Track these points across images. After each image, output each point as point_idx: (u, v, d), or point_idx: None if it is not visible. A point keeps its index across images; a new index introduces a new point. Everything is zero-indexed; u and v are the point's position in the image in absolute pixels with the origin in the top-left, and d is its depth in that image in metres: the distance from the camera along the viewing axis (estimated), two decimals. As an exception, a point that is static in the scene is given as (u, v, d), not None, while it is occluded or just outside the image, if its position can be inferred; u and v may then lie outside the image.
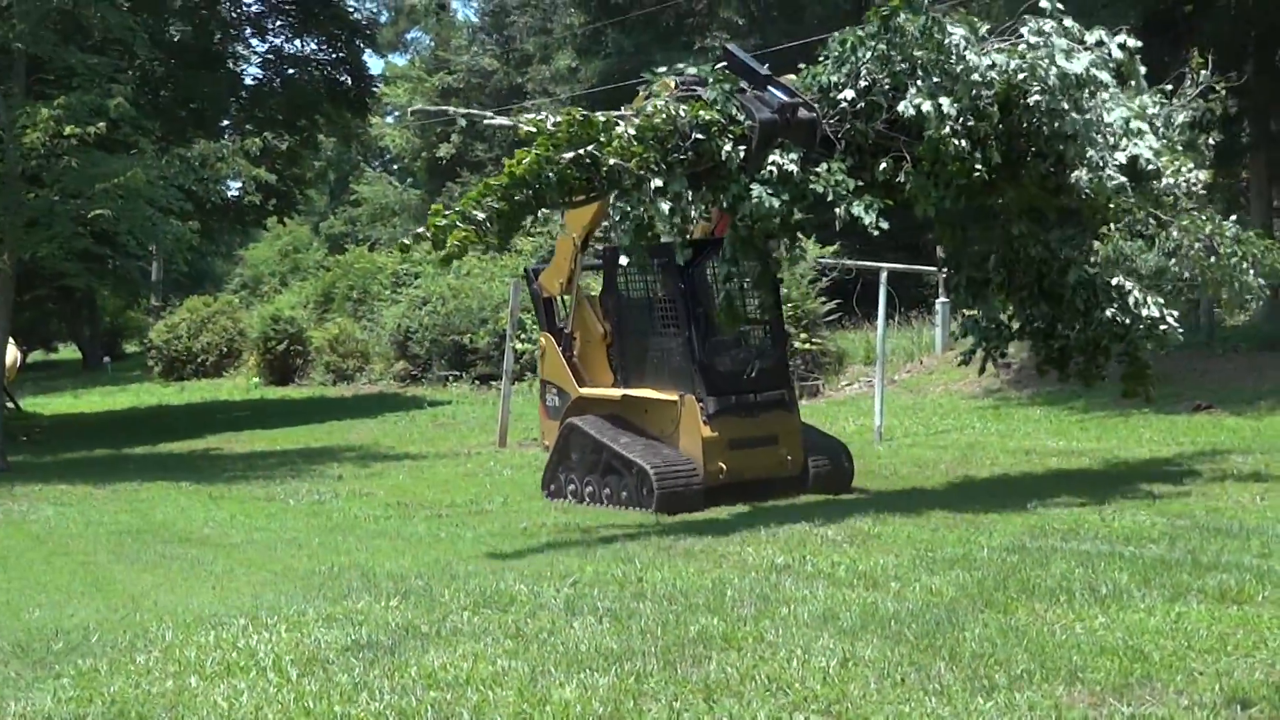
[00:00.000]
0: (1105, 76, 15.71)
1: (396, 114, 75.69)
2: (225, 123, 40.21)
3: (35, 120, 23.41)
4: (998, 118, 15.25)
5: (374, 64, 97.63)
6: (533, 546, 14.12)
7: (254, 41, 42.39)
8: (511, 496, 18.45)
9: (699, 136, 14.79)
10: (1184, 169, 16.69)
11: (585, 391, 18.87)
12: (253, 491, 20.98)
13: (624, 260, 16.69)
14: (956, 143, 14.95)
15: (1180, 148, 16.95)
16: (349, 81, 42.09)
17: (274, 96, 40.90)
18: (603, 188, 15.06)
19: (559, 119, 14.88)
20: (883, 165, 15.34)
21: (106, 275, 35.57)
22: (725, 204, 15.39)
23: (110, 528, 17.59)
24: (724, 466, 17.07)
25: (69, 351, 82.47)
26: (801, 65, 16.11)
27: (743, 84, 15.33)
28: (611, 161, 14.55)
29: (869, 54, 15.46)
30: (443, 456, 24.90)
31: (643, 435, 17.78)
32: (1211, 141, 17.99)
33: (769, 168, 14.96)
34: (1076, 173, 15.43)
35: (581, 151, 14.55)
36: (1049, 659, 8.33)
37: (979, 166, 15.14)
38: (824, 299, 32.20)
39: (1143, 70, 16.66)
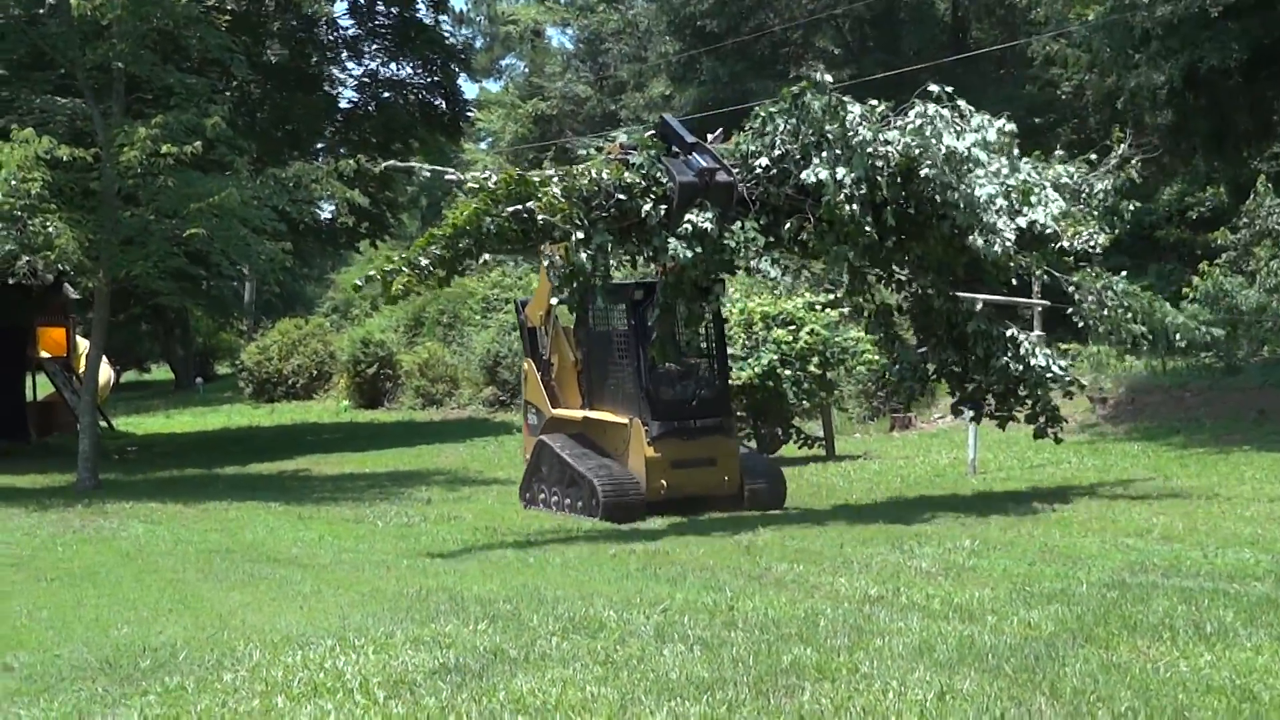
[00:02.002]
0: (982, 155, 17.86)
1: (490, 140, 75.92)
2: (320, 145, 40.43)
3: (132, 139, 23.50)
4: (889, 187, 17.60)
5: (469, 89, 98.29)
6: (621, 573, 13.95)
7: (350, 65, 42.63)
8: (599, 523, 18.28)
9: (620, 196, 17.42)
10: (1084, 231, 19.12)
11: (556, 412, 21.25)
12: (341, 513, 20.93)
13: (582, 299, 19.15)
14: (850, 207, 17.32)
15: (1096, 212, 19.50)
16: (443, 105, 42.21)
17: (369, 119, 41.04)
18: (535, 239, 17.74)
19: (499, 177, 17.45)
20: (788, 225, 17.90)
21: (200, 295, 35.84)
22: (647, 255, 18.07)
23: (199, 546, 17.57)
24: (665, 483, 19.17)
25: (162, 372, 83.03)
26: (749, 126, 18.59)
27: (674, 148, 18.03)
28: (540, 217, 17.07)
29: (782, 126, 18.04)
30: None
31: (601, 453, 19.94)
32: (1132, 206, 20.25)
33: (685, 224, 17.24)
34: (971, 236, 17.58)
35: (519, 207, 17.08)
36: (1154, 697, 8.11)
37: (868, 229, 17.52)
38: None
39: (1016, 151, 18.74)
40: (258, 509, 21.69)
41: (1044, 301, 24.14)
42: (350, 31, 41.86)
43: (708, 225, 17.21)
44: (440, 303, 51.45)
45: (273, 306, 73.63)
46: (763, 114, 18.46)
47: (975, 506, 18.24)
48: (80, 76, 25.48)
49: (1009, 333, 19.49)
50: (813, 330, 25.85)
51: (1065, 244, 18.88)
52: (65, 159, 23.20)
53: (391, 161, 26.60)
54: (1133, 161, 20.65)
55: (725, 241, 17.37)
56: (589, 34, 65.11)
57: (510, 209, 17.12)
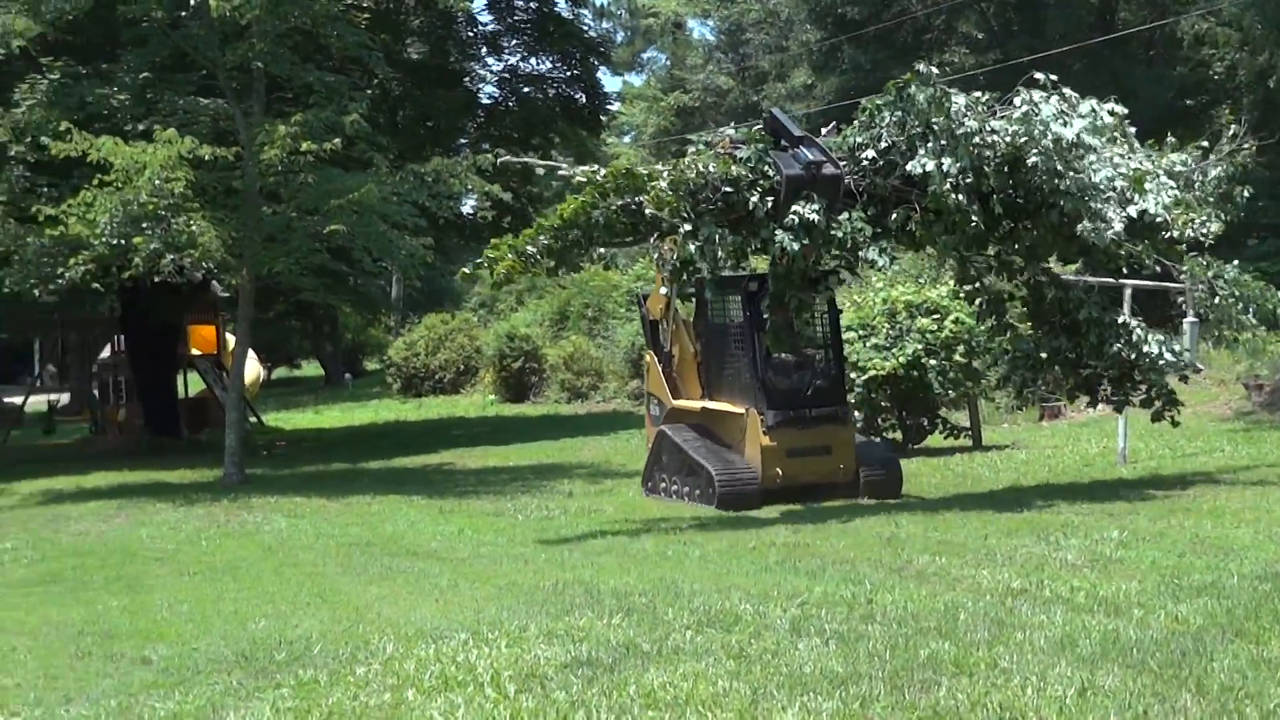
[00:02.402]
0: (1094, 141, 18.12)
1: (632, 133, 75.99)
2: (461, 141, 40.51)
3: (273, 137, 23.67)
4: (995, 176, 17.87)
5: (609, 83, 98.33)
6: (760, 565, 13.79)
7: (490, 60, 42.62)
8: (740, 515, 18.11)
9: (727, 189, 17.73)
10: (1196, 220, 19.06)
11: (677, 403, 21.64)
12: (482, 506, 20.93)
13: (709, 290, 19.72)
14: (956, 197, 17.52)
15: (1211, 200, 19.49)
16: (584, 99, 42.12)
17: (509, 114, 41.03)
18: (644, 232, 18.12)
19: (606, 171, 17.95)
20: (894, 215, 18.01)
21: (346, 292, 36.05)
22: (755, 247, 18.23)
23: (340, 540, 17.65)
24: (780, 472, 19.45)
25: (312, 368, 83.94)
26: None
27: (783, 142, 18.29)
28: (648, 210, 17.46)
29: (889, 118, 18.12)
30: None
31: (719, 443, 20.34)
32: (1246, 193, 20.09)
33: (792, 216, 17.49)
34: (1081, 224, 17.77)
35: (628, 200, 17.59)
36: (1306, 694, 7.84)
37: (974, 218, 17.80)
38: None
39: (1132, 131, 19.06)
40: (400, 503, 21.77)
41: (1175, 284, 23.24)
42: (489, 27, 41.88)
43: (814, 217, 17.49)
44: (585, 296, 51.54)
45: (419, 302, 74.14)
46: (869, 107, 18.60)
47: (1124, 496, 17.85)
48: (221, 77, 25.73)
49: (1120, 319, 19.65)
50: (958, 319, 25.47)
51: (1175, 233, 18.82)
52: (207, 158, 23.43)
53: (505, 157, 26.52)
54: (1246, 147, 20.43)
55: (833, 232, 17.66)
56: (730, 25, 64.85)
57: (619, 203, 17.66)
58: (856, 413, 25.03)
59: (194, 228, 23.24)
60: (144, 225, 23.26)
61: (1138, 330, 19.45)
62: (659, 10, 77.15)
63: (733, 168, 17.83)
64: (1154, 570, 12.21)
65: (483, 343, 55.55)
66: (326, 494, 23.21)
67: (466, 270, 19.97)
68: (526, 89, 41.48)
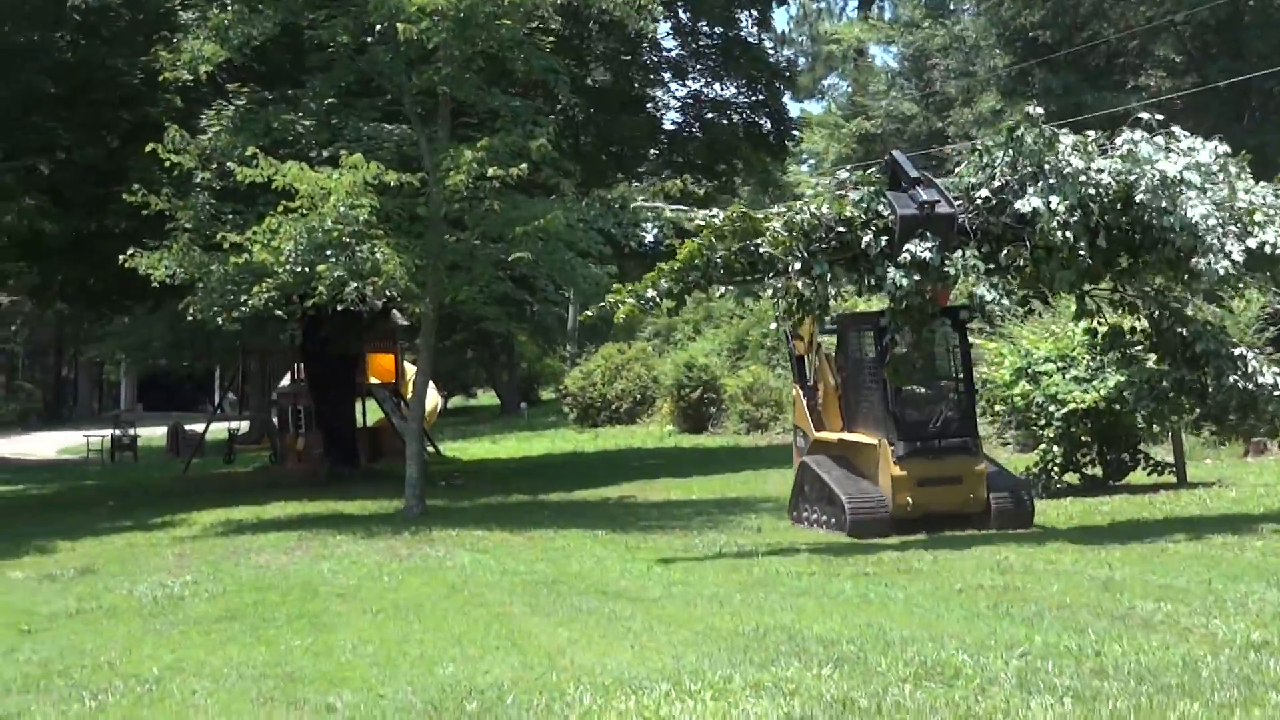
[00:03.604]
0: (1194, 178, 18.47)
1: (813, 161, 75.21)
2: (643, 169, 40.11)
3: (458, 163, 23.28)
4: (1105, 212, 18.40)
5: (792, 109, 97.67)
6: (971, 611, 13.00)
7: (674, 85, 42.09)
8: (941, 555, 17.24)
9: (841, 229, 18.67)
10: None
11: (819, 435, 22.40)
12: (670, 542, 20.27)
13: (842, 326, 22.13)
14: (1064, 234, 18.12)
15: None
16: (768, 125, 41.49)
17: (693, 140, 40.55)
18: (761, 271, 19.15)
19: (724, 215, 19.02)
20: (1005, 252, 18.56)
21: (525, 321, 35.68)
22: (869, 284, 19.14)
23: (526, 577, 17.05)
24: (910, 500, 19.99)
25: (488, 397, 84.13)
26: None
27: (904, 182, 18.99)
28: (764, 250, 18.63)
29: (1001, 158, 18.84)
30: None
31: (856, 473, 20.97)
32: None
33: (905, 254, 18.15)
34: (1194, 259, 18.29)
35: (747, 242, 18.75)
36: None
37: (1082, 253, 18.36)
38: (1271, 349, 30.03)
39: (1233, 170, 19.17)
40: (584, 537, 21.17)
41: None
42: (674, 52, 41.37)
43: (927, 254, 18.15)
44: (763, 326, 50.87)
45: (596, 331, 73.96)
46: (980, 148, 19.56)
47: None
48: (406, 102, 25.40)
49: (1238, 351, 20.40)
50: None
51: None
52: (392, 184, 23.10)
53: (640, 202, 26.05)
54: None
55: (945, 269, 18.27)
56: (914, 50, 63.76)
57: (736, 246, 18.80)
58: (1056, 448, 24.89)
59: (378, 255, 22.84)
60: (328, 252, 22.94)
61: (1253, 362, 20.26)
62: (840, 37, 76.36)
63: (846, 209, 18.70)
64: (1404, 624, 11.29)
65: (660, 372, 55.18)
66: (508, 527, 22.71)
67: (590, 313, 21.31)
68: (710, 114, 40.86)
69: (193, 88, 27.18)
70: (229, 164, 24.17)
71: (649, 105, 40.69)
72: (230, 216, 25.23)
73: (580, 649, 11.87)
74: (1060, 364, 25.10)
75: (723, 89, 41.42)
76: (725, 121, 40.81)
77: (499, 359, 70.10)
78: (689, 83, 41.63)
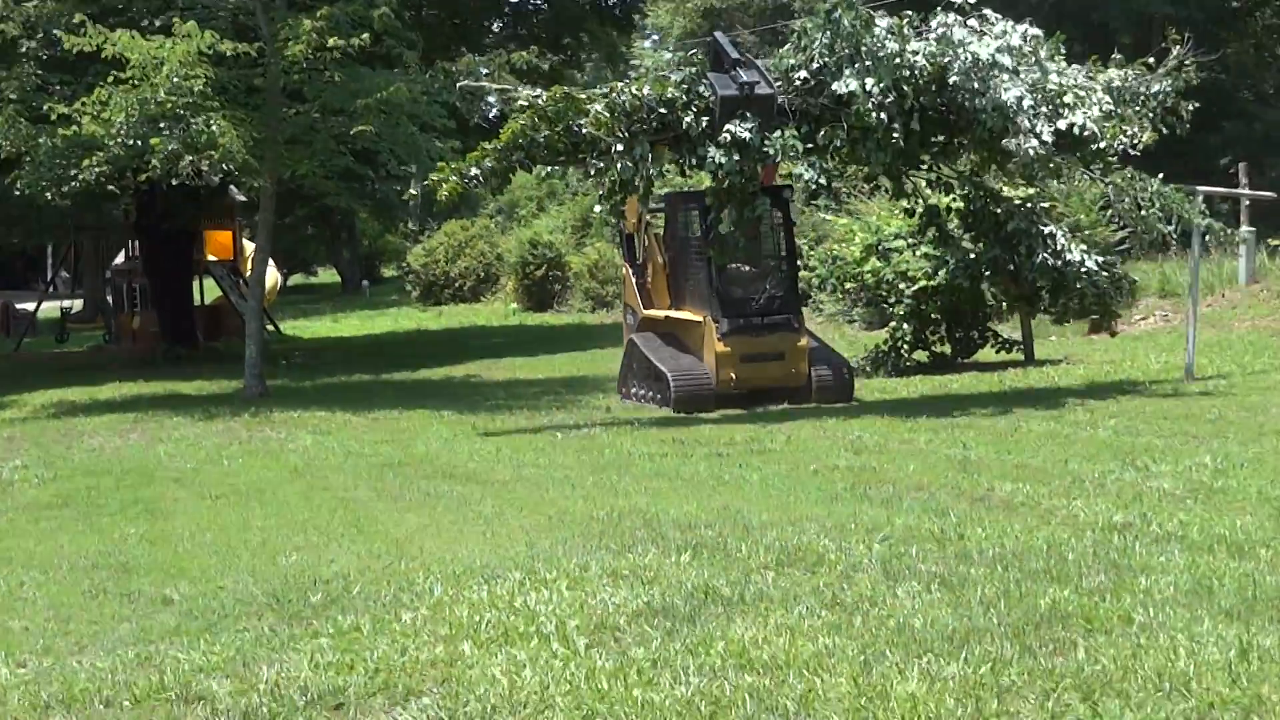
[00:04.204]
0: (1007, 60, 19.21)
1: (656, 37, 74.32)
2: (487, 40, 39.29)
3: (298, 32, 22.54)
4: (920, 94, 19.06)
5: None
6: (828, 493, 12.74)
7: (520, -44, 41.31)
8: (794, 434, 17.01)
9: (663, 110, 19.14)
10: (1127, 132, 20.10)
11: (647, 312, 22.84)
12: (518, 423, 19.91)
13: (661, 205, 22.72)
14: (879, 115, 18.78)
15: (1153, 114, 20.45)
16: (615, -2, 40.93)
17: (538, 13, 39.86)
18: (585, 151, 19.40)
19: (546, 95, 19.38)
20: (821, 133, 19.15)
21: (366, 197, 34.94)
22: (691, 164, 19.64)
23: (371, 460, 16.59)
24: (734, 376, 20.63)
25: (329, 275, 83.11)
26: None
27: (725, 63, 19.42)
28: (586, 131, 18.95)
29: (819, 40, 19.16)
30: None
31: (683, 349, 21.43)
32: (1191, 107, 21.05)
33: (725, 134, 18.71)
34: (1006, 139, 18.98)
35: (569, 123, 19.06)
36: None
37: (896, 134, 18.97)
38: (1116, 226, 30.10)
39: (1042, 52, 19.87)
40: (430, 418, 20.76)
41: (1270, 194, 23.44)
42: (517, -79, 40.62)
43: (747, 134, 18.65)
44: (611, 204, 50.41)
45: (438, 208, 73.05)
46: (800, 29, 19.96)
47: (1202, 417, 16.79)
48: (242, -32, 24.56)
49: (1048, 230, 22.00)
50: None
51: (1104, 144, 19.63)
52: (229, 54, 22.32)
53: (465, 82, 25.48)
54: (1189, 64, 21.15)
55: (765, 149, 18.81)
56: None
57: (561, 126, 19.07)
58: (905, 325, 24.94)
59: (214, 128, 22.08)
60: (161, 125, 22.21)
61: (1062, 240, 21.97)
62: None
63: (668, 90, 19.16)
64: (1264, 503, 11.16)
65: (504, 250, 54.65)
66: (351, 408, 22.24)
67: (413, 191, 22.61)
68: (557, -16, 40.21)
69: (17, -47, 26.10)
70: (56, 32, 23.24)
71: (493, -25, 39.87)
72: (58, 87, 24.40)
73: (429, 536, 11.45)
74: (911, 241, 24.96)
75: (570, -41, 40.69)
76: (572, -7, 40.13)
77: (340, 236, 69.09)
78: (535, -47, 40.87)
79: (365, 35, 22.84)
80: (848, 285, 27.30)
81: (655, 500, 12.61)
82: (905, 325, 24.87)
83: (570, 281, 49.00)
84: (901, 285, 24.49)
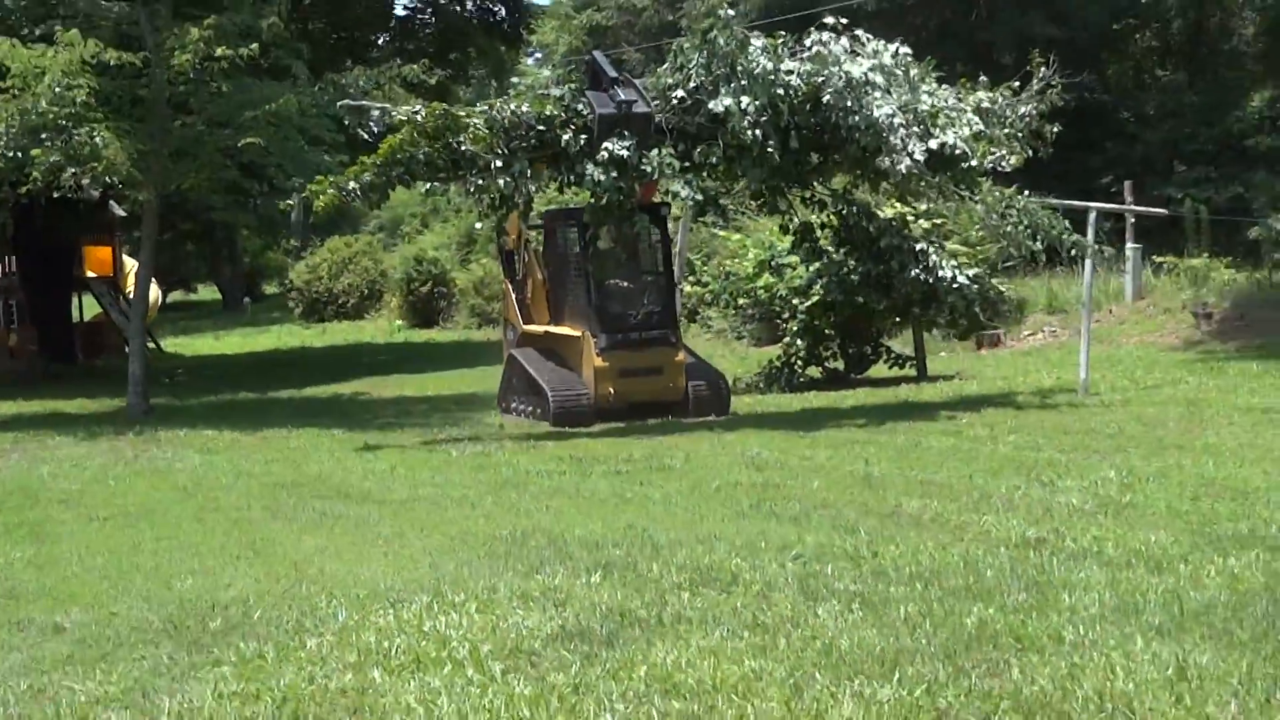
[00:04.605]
0: (879, 79, 19.55)
1: (539, 55, 74.04)
2: (374, 54, 38.92)
3: (184, 42, 22.08)
4: (795, 112, 19.30)
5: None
6: (734, 510, 12.52)
7: (405, -31, 40.96)
8: (694, 451, 16.78)
9: (541, 128, 19.35)
10: (996, 153, 20.72)
11: (527, 328, 23.08)
12: (410, 440, 19.57)
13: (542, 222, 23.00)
14: (754, 133, 19.02)
15: (1020, 135, 20.99)
16: (503, 12, 40.59)
17: (426, 27, 39.54)
18: (464, 167, 19.32)
19: (425, 111, 19.29)
20: (698, 150, 19.42)
21: (250, 211, 34.47)
22: (570, 180, 19.78)
23: (263, 480, 16.18)
24: (613, 390, 20.80)
25: (209, 292, 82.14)
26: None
27: (604, 82, 19.67)
28: (465, 148, 18.98)
29: (695, 60, 19.53)
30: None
31: (562, 364, 21.61)
32: (1055, 129, 21.52)
33: (603, 152, 18.96)
34: (879, 158, 19.28)
35: (448, 139, 19.05)
36: None
37: (770, 151, 19.20)
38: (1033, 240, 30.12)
39: (913, 73, 20.29)
40: (320, 436, 20.38)
41: (1160, 210, 23.86)
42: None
43: (624, 152, 18.93)
44: (492, 221, 50.12)
45: (316, 225, 72.36)
46: (676, 49, 20.24)
47: (1101, 431, 16.78)
48: (126, -25, 24.03)
49: (919, 246, 22.65)
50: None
51: (974, 163, 20.01)
52: (112, 63, 21.81)
53: (346, 101, 25.12)
54: (1053, 88, 21.75)
55: (643, 167, 19.02)
56: (645, -62, 63.01)
57: (440, 142, 19.11)
58: (799, 341, 24.95)
59: (97, 139, 21.58)
60: (43, 136, 21.68)
61: (934, 256, 22.54)
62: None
63: (547, 108, 19.42)
64: (1175, 517, 11.12)
65: (388, 266, 54.23)
66: (239, 427, 21.81)
67: (290, 203, 21.91)
68: (444, 0, 39.85)
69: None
70: (-69, 41, 22.62)
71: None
72: (-65, 98, 23.68)
73: (329, 558, 11.10)
74: (802, 257, 24.90)
75: (455, -26, 40.45)
76: (459, 8, 39.83)
77: (221, 252, 68.18)
78: (420, -34, 40.54)
79: (254, 45, 22.40)
80: (740, 301, 27.16)
81: (558, 519, 12.35)
82: (799, 341, 24.79)
83: (456, 298, 48.66)
84: (795, 300, 24.36)
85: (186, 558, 11.46)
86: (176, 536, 12.60)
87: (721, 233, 29.51)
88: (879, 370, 25.73)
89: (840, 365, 25.58)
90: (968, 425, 18.01)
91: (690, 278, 26.52)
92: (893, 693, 6.68)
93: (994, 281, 26.93)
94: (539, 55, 74.47)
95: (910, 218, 24.51)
